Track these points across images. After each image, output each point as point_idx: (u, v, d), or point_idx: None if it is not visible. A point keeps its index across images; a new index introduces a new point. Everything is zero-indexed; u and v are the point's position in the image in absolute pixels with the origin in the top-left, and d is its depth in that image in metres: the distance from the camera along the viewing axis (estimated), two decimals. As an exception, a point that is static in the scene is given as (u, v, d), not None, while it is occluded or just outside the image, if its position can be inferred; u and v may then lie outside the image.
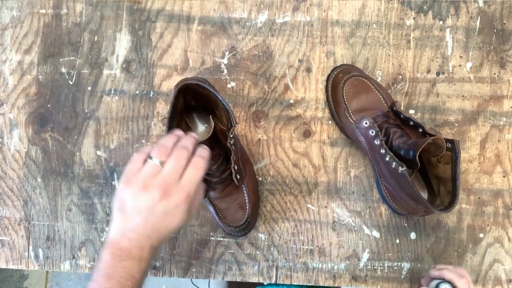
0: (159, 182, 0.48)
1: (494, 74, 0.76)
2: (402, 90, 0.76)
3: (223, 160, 0.68)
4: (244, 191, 0.70)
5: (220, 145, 0.67)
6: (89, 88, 0.78)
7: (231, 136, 0.64)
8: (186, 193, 0.49)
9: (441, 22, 0.77)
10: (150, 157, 0.50)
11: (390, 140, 0.66)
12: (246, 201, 0.70)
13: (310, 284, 0.75)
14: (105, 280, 0.47)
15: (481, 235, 0.74)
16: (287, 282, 0.75)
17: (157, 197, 0.47)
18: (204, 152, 0.53)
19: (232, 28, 0.78)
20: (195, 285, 1.38)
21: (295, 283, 0.75)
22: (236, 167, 0.66)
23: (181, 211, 0.49)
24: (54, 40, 0.79)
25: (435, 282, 0.61)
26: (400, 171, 0.63)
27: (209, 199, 0.70)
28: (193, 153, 0.52)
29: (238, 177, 0.67)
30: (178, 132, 0.55)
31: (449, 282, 0.59)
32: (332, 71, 0.76)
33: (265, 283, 0.77)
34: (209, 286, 1.42)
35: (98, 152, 0.78)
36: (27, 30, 0.79)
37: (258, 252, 0.75)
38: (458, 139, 0.68)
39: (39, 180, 0.78)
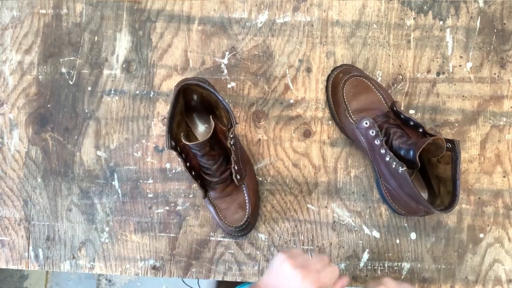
0: (304, 265, 0.58)
1: (494, 74, 0.76)
2: (402, 90, 0.76)
3: (223, 160, 0.68)
4: (244, 191, 0.70)
5: (220, 145, 0.67)
6: (89, 88, 0.78)
7: (231, 136, 0.64)
8: (319, 284, 0.57)
9: (441, 22, 0.77)
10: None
11: (390, 140, 0.66)
12: (246, 201, 0.70)
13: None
14: None
15: (481, 235, 0.74)
16: (287, 282, 0.75)
17: (297, 273, 0.57)
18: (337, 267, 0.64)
19: (232, 28, 0.78)
20: (187, 285, 1.38)
21: None
22: (236, 167, 0.66)
23: None
24: (54, 40, 0.79)
25: None
26: (400, 171, 0.63)
27: (209, 199, 0.70)
28: None
29: (238, 177, 0.67)
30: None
31: None
32: (332, 71, 0.76)
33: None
34: (198, 285, 1.42)
35: (98, 152, 0.78)
36: (27, 30, 0.79)
37: (258, 252, 0.75)
38: (458, 139, 0.68)
39: (39, 180, 0.78)
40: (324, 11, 0.77)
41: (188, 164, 0.66)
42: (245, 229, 0.72)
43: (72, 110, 0.78)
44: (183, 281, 1.40)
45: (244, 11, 0.78)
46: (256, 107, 0.77)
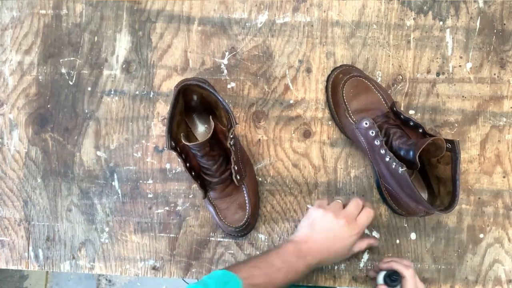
0: (344, 214, 0.63)
1: (494, 74, 0.76)
2: (402, 91, 0.76)
3: (223, 160, 0.68)
4: (244, 192, 0.70)
5: (220, 146, 0.67)
6: (89, 89, 0.78)
7: (231, 136, 0.64)
8: (359, 229, 0.63)
9: (441, 23, 0.77)
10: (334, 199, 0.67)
11: (390, 140, 0.66)
12: (246, 201, 0.70)
13: (310, 285, 0.75)
14: (279, 261, 0.60)
15: (481, 235, 0.74)
16: (287, 282, 0.75)
17: (341, 223, 0.62)
18: (371, 206, 0.68)
19: (232, 28, 0.78)
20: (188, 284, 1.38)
21: (295, 284, 0.75)
22: (236, 168, 0.66)
23: (351, 242, 0.63)
24: (54, 40, 0.79)
25: (383, 273, 0.66)
26: (400, 171, 0.63)
27: (209, 199, 0.70)
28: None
29: (238, 177, 0.67)
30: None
31: (397, 272, 0.65)
32: (332, 71, 0.76)
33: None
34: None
35: (98, 153, 0.78)
36: (27, 31, 0.79)
37: (258, 253, 0.75)
38: (458, 139, 0.68)
39: (39, 180, 0.78)
40: (324, 11, 0.77)
41: (188, 164, 0.66)
42: (245, 229, 0.72)
43: (72, 111, 0.78)
44: (184, 280, 1.40)
45: (244, 12, 0.78)
46: (256, 107, 0.77)
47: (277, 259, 0.60)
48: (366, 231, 0.75)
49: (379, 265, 0.69)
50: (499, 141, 0.75)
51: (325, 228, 0.62)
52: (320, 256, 0.62)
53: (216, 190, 0.70)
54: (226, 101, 0.74)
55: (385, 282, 0.65)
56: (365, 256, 0.74)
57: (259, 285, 0.58)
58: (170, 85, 0.78)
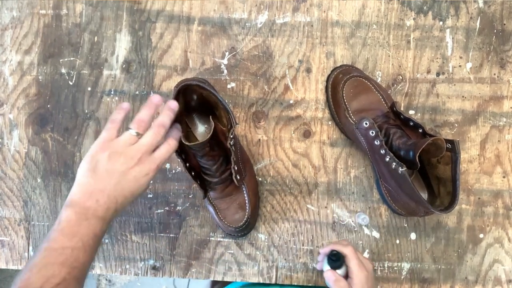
0: (135, 151, 0.53)
1: (494, 74, 0.76)
2: (402, 91, 0.76)
3: (223, 160, 0.68)
4: (244, 192, 0.70)
5: (220, 146, 0.67)
6: (89, 89, 0.78)
7: (231, 136, 0.64)
8: (156, 165, 0.54)
9: (441, 23, 0.77)
10: (128, 128, 0.55)
11: (390, 140, 0.66)
12: (246, 201, 0.70)
13: (310, 285, 0.75)
14: (67, 239, 0.48)
15: (481, 235, 0.74)
16: (287, 282, 0.75)
17: (131, 163, 0.52)
18: (178, 134, 0.59)
19: (232, 28, 0.78)
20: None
21: (295, 284, 0.75)
22: (236, 168, 0.66)
23: (147, 180, 0.54)
24: (54, 40, 0.79)
25: (326, 258, 0.64)
26: (400, 171, 0.63)
27: (209, 199, 0.70)
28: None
29: (238, 177, 0.67)
30: (157, 100, 0.58)
31: (336, 251, 0.63)
32: (332, 71, 0.76)
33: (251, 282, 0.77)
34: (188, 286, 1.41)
35: (98, 153, 0.78)
36: (27, 31, 0.79)
37: (258, 253, 0.75)
38: (458, 139, 0.68)
39: (39, 180, 0.78)
40: (324, 11, 0.77)
41: (188, 164, 0.66)
42: (245, 229, 0.72)
43: (72, 111, 0.78)
44: (174, 285, 1.40)
45: (244, 12, 0.78)
46: (256, 107, 0.77)
47: (65, 239, 0.48)
48: (367, 232, 0.75)
49: (320, 252, 0.67)
50: (499, 141, 0.75)
51: (111, 174, 0.51)
52: (114, 205, 0.52)
53: (216, 190, 0.70)
54: (226, 101, 0.74)
55: (330, 266, 0.63)
56: (365, 256, 0.74)
57: (65, 281, 0.47)
58: (170, 85, 0.78)
